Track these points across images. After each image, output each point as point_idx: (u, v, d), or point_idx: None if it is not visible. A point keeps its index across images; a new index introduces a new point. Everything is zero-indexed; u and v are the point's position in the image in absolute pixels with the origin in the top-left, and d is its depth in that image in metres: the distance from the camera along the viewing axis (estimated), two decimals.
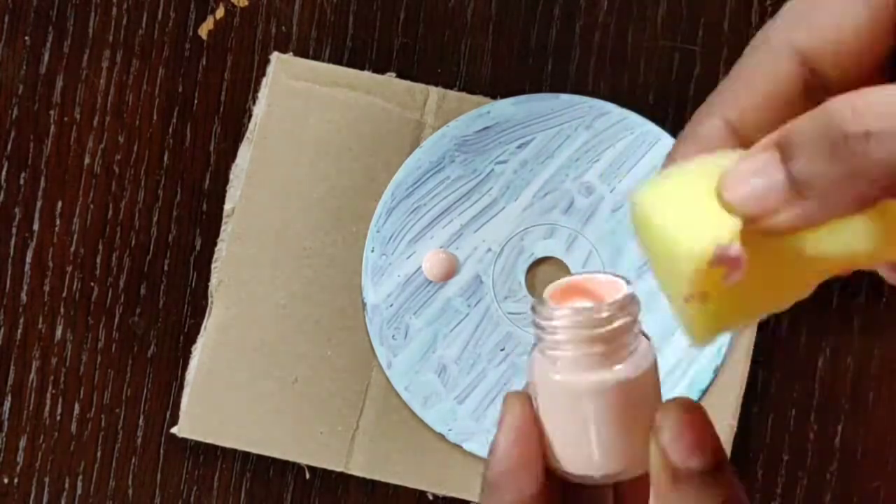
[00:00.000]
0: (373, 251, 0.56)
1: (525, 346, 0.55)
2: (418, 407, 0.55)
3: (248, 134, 0.57)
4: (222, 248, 0.56)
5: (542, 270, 0.56)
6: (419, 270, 0.56)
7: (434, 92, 0.56)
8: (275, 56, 0.57)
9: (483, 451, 0.53)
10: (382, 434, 0.56)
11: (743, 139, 0.36)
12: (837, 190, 0.32)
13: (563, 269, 0.56)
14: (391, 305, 0.56)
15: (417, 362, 0.56)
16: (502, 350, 0.56)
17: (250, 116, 0.57)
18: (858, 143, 0.31)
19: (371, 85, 0.57)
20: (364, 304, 0.56)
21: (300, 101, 0.56)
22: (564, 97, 0.56)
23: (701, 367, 0.55)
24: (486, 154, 0.56)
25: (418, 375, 0.55)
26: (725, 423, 0.55)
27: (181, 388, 0.57)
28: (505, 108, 0.56)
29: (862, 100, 0.32)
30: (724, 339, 0.55)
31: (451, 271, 0.55)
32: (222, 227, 0.56)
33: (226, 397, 0.56)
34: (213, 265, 0.56)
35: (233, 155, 0.57)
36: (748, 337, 0.55)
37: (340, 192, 0.56)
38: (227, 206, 0.56)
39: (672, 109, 0.57)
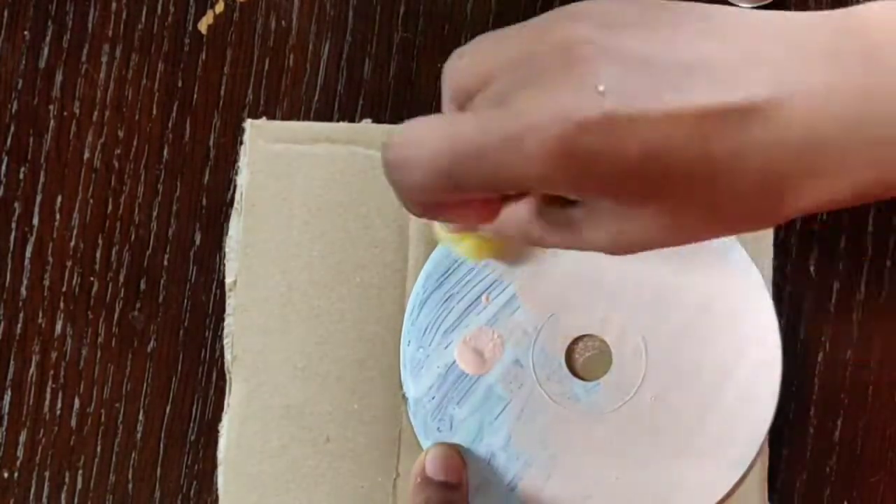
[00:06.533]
0: (409, 344, 0.55)
1: (572, 426, 0.54)
2: (471, 493, 0.54)
3: (235, 205, 0.57)
4: (231, 323, 0.56)
5: (581, 347, 0.55)
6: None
7: None
8: (248, 123, 0.57)
9: None
10: None
11: None
12: (404, 201, 0.40)
13: (601, 345, 0.55)
14: (433, 398, 0.55)
15: (464, 452, 0.55)
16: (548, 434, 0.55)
17: (249, 113, 0.58)
18: (388, 172, 0.39)
19: (350, 134, 0.57)
20: (405, 399, 0.55)
21: (282, 163, 0.56)
22: None
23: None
24: None
25: (467, 465, 0.55)
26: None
27: (180, 383, 0.57)
28: None
29: (390, 136, 0.38)
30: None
31: (484, 365, 0.55)
32: (227, 301, 0.56)
33: (261, 469, 0.55)
34: (224, 341, 0.56)
35: (232, 150, 0.57)
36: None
37: (338, 245, 0.56)
38: (229, 280, 0.56)
39: None
